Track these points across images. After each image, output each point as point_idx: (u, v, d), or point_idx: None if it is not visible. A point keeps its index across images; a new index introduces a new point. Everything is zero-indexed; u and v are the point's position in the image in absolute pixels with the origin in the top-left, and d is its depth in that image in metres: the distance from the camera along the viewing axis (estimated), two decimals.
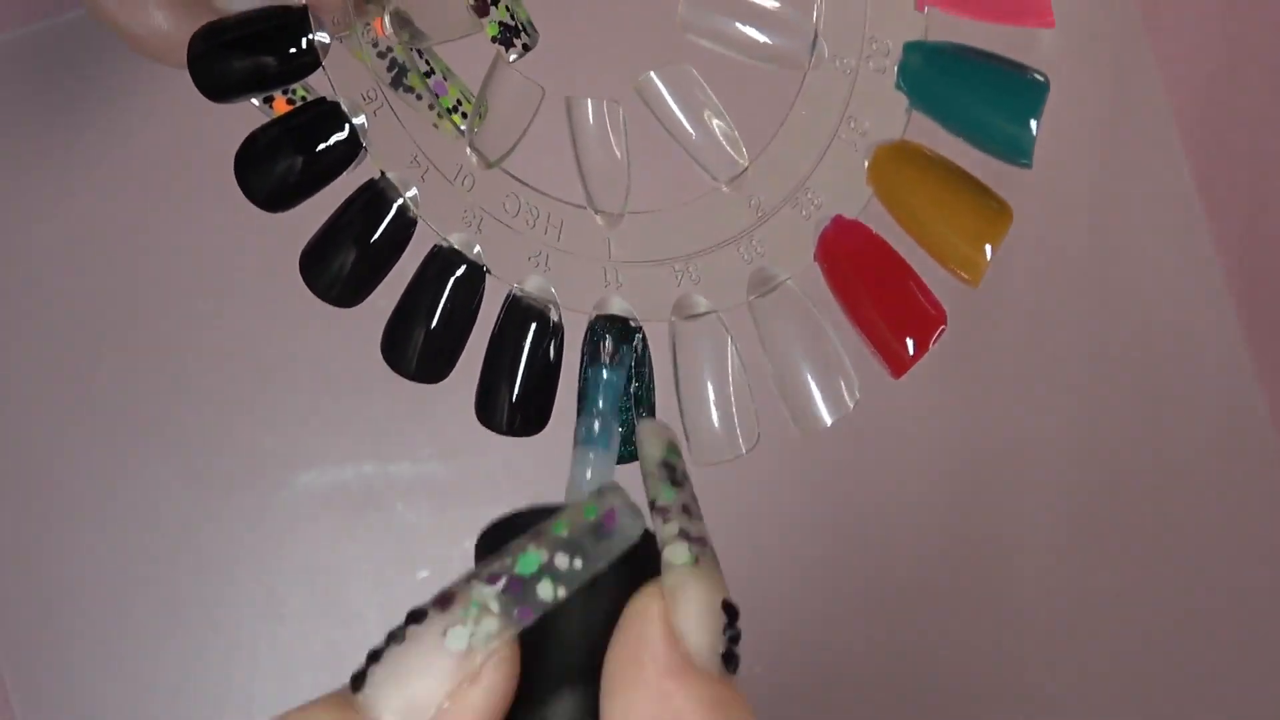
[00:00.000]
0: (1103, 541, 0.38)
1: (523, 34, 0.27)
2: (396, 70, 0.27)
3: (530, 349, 0.26)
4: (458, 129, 0.27)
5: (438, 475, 0.38)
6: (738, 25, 0.24)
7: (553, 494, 0.38)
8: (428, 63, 0.27)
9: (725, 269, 0.25)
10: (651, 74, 0.25)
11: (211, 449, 0.39)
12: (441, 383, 0.39)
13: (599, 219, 0.26)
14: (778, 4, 0.24)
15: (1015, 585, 0.38)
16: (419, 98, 0.27)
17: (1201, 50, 0.40)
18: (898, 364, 0.24)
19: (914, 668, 0.38)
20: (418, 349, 0.27)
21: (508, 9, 0.27)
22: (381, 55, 0.27)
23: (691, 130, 0.25)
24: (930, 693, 0.38)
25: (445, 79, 0.27)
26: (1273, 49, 0.40)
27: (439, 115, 0.27)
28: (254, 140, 0.26)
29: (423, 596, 0.38)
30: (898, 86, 0.24)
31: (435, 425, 0.39)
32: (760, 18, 0.24)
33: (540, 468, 0.38)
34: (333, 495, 0.38)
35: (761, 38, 0.24)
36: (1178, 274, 0.39)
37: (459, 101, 0.27)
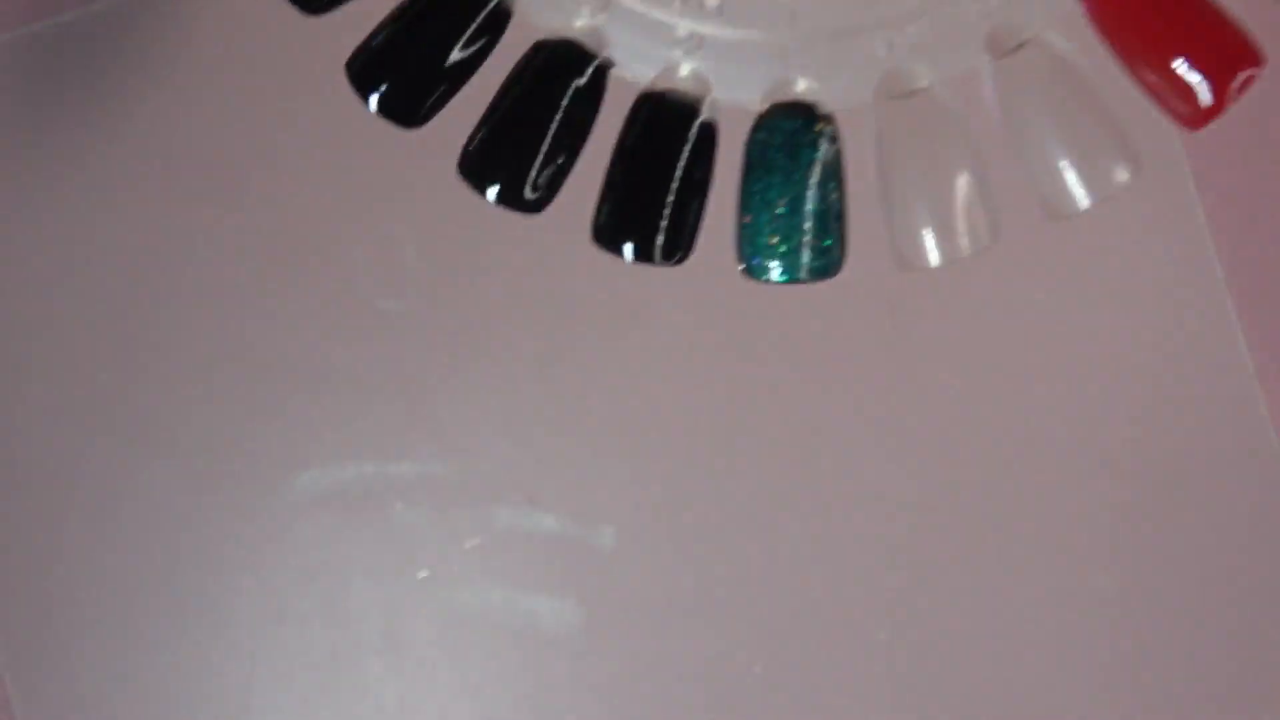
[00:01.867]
0: (1101, 542, 0.38)
1: None
2: None
3: (679, 159, 0.21)
4: None
5: (438, 475, 0.38)
6: None
7: (553, 494, 0.38)
8: None
9: (952, 28, 0.20)
10: None
11: (211, 449, 0.39)
12: (442, 380, 0.40)
13: None
14: None
15: (1014, 585, 0.38)
16: None
17: None
18: (1197, 114, 0.20)
19: (918, 666, 0.38)
20: (527, 172, 0.21)
21: None
22: None
23: None
24: (932, 692, 0.38)
25: None
26: (1273, 48, 0.40)
27: None
28: None
29: (423, 597, 0.39)
30: None
31: (435, 425, 0.39)
32: None
33: (541, 467, 0.38)
34: (333, 495, 0.38)
35: None
36: (1177, 274, 0.39)
37: None
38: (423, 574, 0.38)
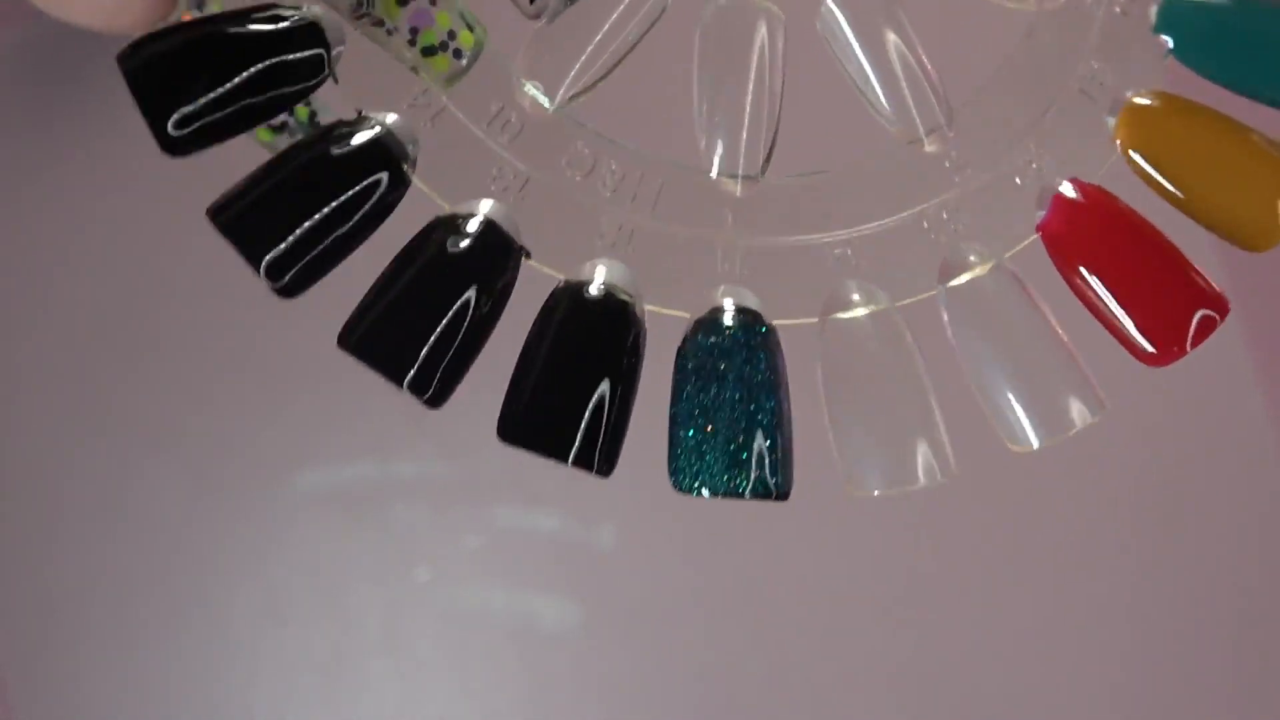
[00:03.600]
0: (1100, 542, 0.38)
1: None
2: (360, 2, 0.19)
3: (606, 362, 0.18)
4: (447, 76, 0.19)
5: (438, 475, 0.38)
6: None
7: (553, 494, 0.38)
8: None
9: (904, 250, 0.19)
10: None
11: (211, 449, 0.39)
12: None
13: (726, 183, 0.18)
14: None
15: (1014, 585, 0.38)
16: (389, 31, 0.19)
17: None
18: (1164, 352, 0.19)
19: (918, 666, 0.38)
20: (419, 360, 0.19)
21: None
22: None
23: (873, 67, 0.18)
24: (935, 696, 0.38)
25: (432, 2, 0.19)
26: None
27: (422, 54, 0.19)
28: (167, 54, 0.18)
29: (423, 597, 0.39)
30: (1156, 29, 0.19)
31: (436, 425, 0.39)
32: None
33: (542, 467, 0.38)
34: (333, 495, 0.38)
35: None
36: None
37: (450, 34, 0.19)
38: (423, 574, 0.38)
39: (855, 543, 0.38)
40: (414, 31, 0.18)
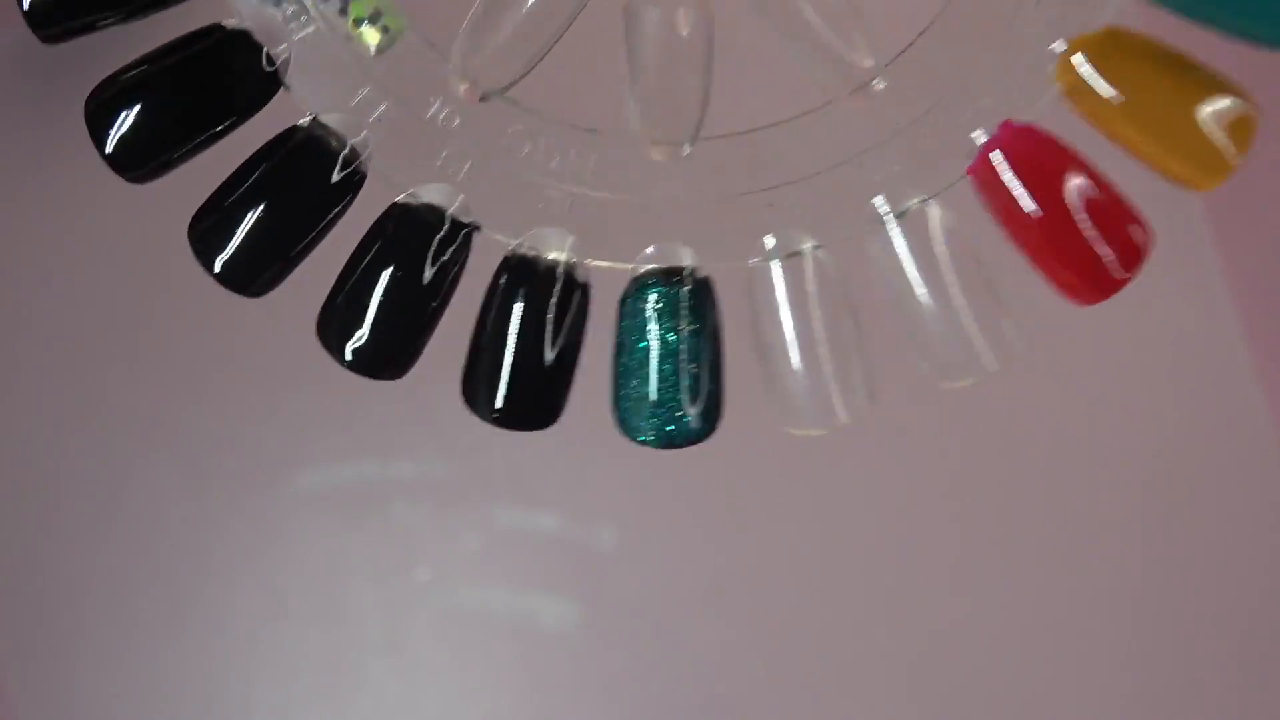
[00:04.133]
0: (1101, 542, 0.38)
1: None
2: None
3: (551, 322, 0.20)
4: (378, 42, 0.20)
5: (438, 475, 0.38)
6: None
7: (554, 494, 0.38)
8: None
9: (837, 196, 0.20)
10: None
11: (211, 449, 0.39)
12: (442, 381, 0.39)
13: (654, 152, 0.20)
14: None
15: (1014, 585, 0.38)
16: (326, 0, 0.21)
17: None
18: (1093, 288, 0.19)
19: (918, 665, 0.38)
20: (372, 335, 0.21)
21: None
22: None
23: (802, 18, 0.19)
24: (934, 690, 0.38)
25: None
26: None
27: (352, 23, 0.21)
28: (116, 82, 0.19)
29: (423, 597, 0.39)
30: None
31: (435, 425, 0.39)
32: None
33: (542, 468, 0.38)
34: (333, 495, 0.38)
35: None
36: (1178, 275, 0.39)
37: (376, 9, 0.21)
38: (423, 574, 0.38)
39: (856, 543, 0.38)
40: (344, 4, 0.20)
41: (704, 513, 0.38)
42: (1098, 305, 0.38)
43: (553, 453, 0.38)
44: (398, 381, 0.37)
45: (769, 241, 0.20)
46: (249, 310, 0.39)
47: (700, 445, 0.34)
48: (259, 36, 0.20)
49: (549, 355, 0.20)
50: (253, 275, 0.21)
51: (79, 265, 0.38)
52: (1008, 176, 0.19)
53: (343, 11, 0.21)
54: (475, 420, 0.37)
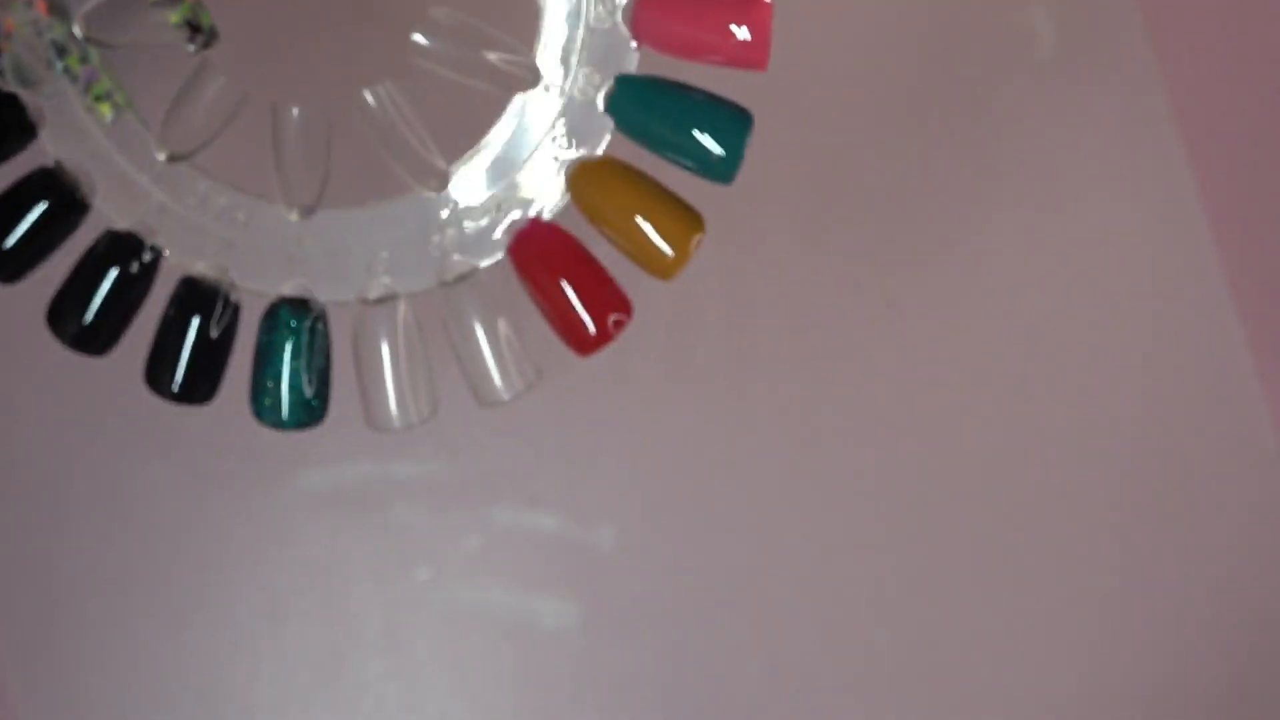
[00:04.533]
0: (1100, 542, 0.38)
1: (204, 34, 0.28)
2: (55, 51, 0.27)
3: (202, 324, 0.29)
4: (110, 114, 0.28)
5: (438, 475, 0.38)
6: (466, 53, 0.27)
7: (553, 494, 0.38)
8: (84, 49, 0.28)
9: (416, 260, 0.28)
10: (366, 91, 0.27)
11: (211, 448, 0.39)
12: (442, 380, 0.39)
13: (291, 214, 0.28)
14: (502, 37, 0.27)
15: (1013, 585, 0.38)
16: (74, 80, 0.28)
17: (1204, 50, 0.40)
18: (581, 344, 0.27)
19: (917, 665, 0.38)
20: (95, 317, 0.29)
21: (190, 8, 0.28)
22: (41, 35, 0.28)
23: (398, 137, 0.28)
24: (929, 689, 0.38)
25: (98, 69, 0.28)
26: (1275, 47, 0.40)
27: (93, 99, 0.28)
28: None
29: (423, 597, 0.39)
30: (606, 111, 0.27)
31: (435, 425, 0.39)
32: (487, 46, 0.27)
33: (542, 468, 0.38)
34: (333, 495, 0.38)
35: (485, 65, 0.27)
36: (1177, 274, 0.39)
37: (110, 91, 0.28)
38: (423, 574, 0.38)
39: (855, 543, 0.38)
40: (88, 83, 0.28)
41: (704, 514, 0.38)
42: (1094, 301, 0.38)
43: (553, 453, 0.38)
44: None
45: (373, 288, 0.29)
46: (250, 311, 0.39)
47: (701, 445, 0.34)
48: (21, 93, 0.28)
49: (209, 347, 0.29)
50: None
51: None
52: (534, 257, 0.28)
53: (85, 90, 0.28)
54: (475, 421, 0.37)
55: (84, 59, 0.28)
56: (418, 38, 0.27)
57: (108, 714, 0.38)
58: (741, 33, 0.25)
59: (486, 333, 0.28)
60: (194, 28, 0.28)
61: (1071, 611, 0.38)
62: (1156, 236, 0.38)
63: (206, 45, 0.28)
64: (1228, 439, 0.38)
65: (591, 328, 0.27)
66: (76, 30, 0.28)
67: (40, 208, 0.28)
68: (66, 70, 0.28)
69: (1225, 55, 0.40)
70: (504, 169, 0.28)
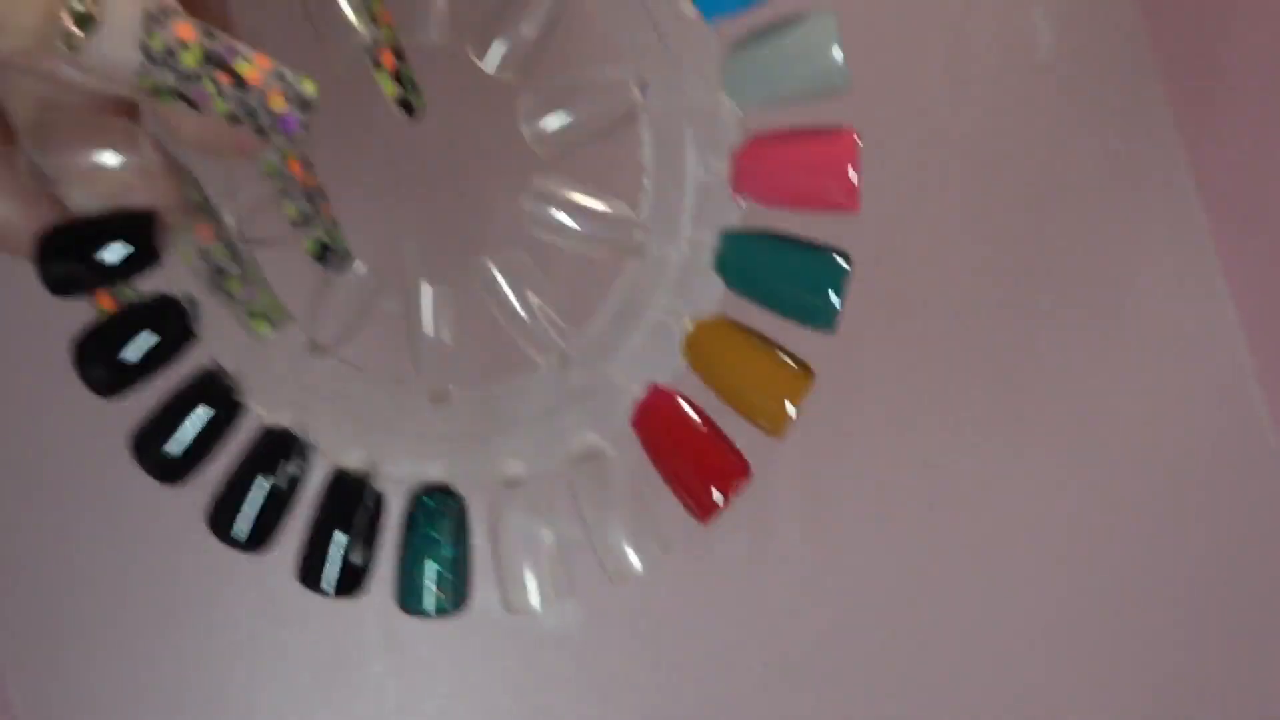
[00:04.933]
0: (1100, 541, 0.38)
1: (339, 255, 0.29)
2: (216, 273, 0.29)
3: (356, 515, 0.29)
4: (267, 331, 0.29)
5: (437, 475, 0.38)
6: (574, 222, 0.27)
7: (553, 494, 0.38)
8: (243, 270, 0.29)
9: (545, 440, 0.28)
10: (487, 259, 0.28)
11: None
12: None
13: (426, 396, 0.29)
14: (608, 205, 0.27)
15: (1012, 585, 0.39)
16: (233, 298, 0.29)
17: (1203, 48, 0.40)
18: (705, 512, 0.27)
19: (916, 662, 0.38)
20: (251, 520, 0.29)
21: (326, 232, 0.29)
22: (203, 257, 0.29)
23: (520, 311, 0.28)
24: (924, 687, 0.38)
25: (257, 287, 0.30)
26: (1274, 46, 0.40)
27: (250, 316, 0.30)
28: (98, 333, 0.28)
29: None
30: (715, 270, 0.27)
31: (436, 426, 0.39)
32: (594, 216, 0.27)
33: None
34: None
35: (593, 233, 0.27)
36: (1178, 274, 0.39)
37: (267, 310, 0.30)
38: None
39: (853, 545, 0.38)
40: (247, 302, 0.29)
41: None
42: (1095, 305, 0.38)
43: None
44: (397, 382, 0.37)
45: (506, 471, 0.29)
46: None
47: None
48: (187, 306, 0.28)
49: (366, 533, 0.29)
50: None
51: None
52: (657, 428, 0.28)
53: (245, 309, 0.29)
54: (475, 420, 0.37)
55: (244, 280, 0.29)
56: (526, 205, 0.27)
57: (108, 714, 0.38)
58: (836, 183, 0.25)
59: (617, 509, 0.28)
60: (325, 251, 0.29)
61: (1069, 611, 0.38)
62: (1157, 239, 0.38)
63: (340, 268, 0.29)
64: (1228, 439, 0.38)
65: (713, 497, 0.27)
66: (232, 234, 0.29)
67: (203, 414, 0.28)
68: (228, 293, 0.29)
69: (1223, 52, 0.40)
70: (619, 337, 0.28)
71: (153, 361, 0.28)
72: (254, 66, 0.25)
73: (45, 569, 0.39)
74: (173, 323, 0.28)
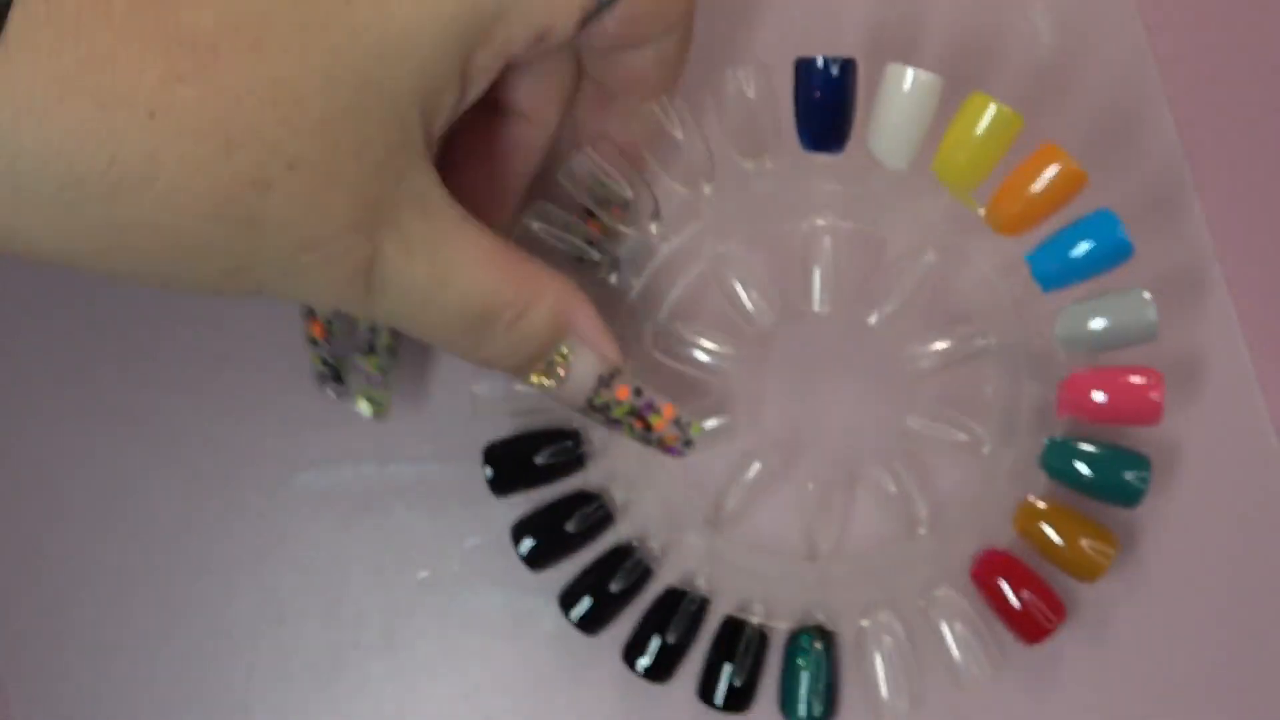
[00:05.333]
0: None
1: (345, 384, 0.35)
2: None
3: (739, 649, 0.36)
4: (370, 411, 0.35)
5: (437, 475, 0.38)
6: (944, 436, 0.37)
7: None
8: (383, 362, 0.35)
9: (906, 592, 0.36)
10: (877, 466, 0.37)
11: (211, 449, 0.39)
12: (442, 383, 0.40)
13: (812, 561, 0.37)
14: (966, 436, 0.36)
15: None
16: (359, 373, 0.34)
17: (1202, 48, 0.40)
18: (1030, 639, 0.35)
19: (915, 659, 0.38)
20: (654, 658, 0.35)
21: (374, 397, 0.35)
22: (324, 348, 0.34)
23: (902, 506, 0.37)
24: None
25: (384, 378, 0.35)
26: (1274, 45, 0.40)
27: (358, 397, 0.35)
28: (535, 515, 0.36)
29: (423, 597, 0.39)
30: (1040, 466, 0.35)
31: (435, 426, 0.39)
32: (960, 428, 0.37)
33: None
34: (333, 495, 0.38)
35: (954, 440, 0.37)
36: (1177, 274, 0.39)
37: (379, 399, 0.35)
38: (422, 574, 0.38)
39: (854, 537, 0.38)
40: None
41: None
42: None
43: None
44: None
45: (871, 609, 0.36)
46: (250, 311, 0.39)
47: (701, 442, 0.34)
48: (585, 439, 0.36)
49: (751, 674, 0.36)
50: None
51: None
52: (993, 580, 0.35)
53: (358, 389, 0.34)
54: (474, 421, 0.37)
55: (382, 369, 0.34)
56: (913, 424, 0.37)
57: (107, 714, 0.38)
58: (1144, 405, 0.33)
59: (954, 635, 0.35)
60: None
61: (1068, 611, 0.38)
62: (1156, 236, 0.38)
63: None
64: (1228, 439, 0.38)
65: (1040, 626, 0.34)
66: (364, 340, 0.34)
67: (618, 585, 0.35)
68: (361, 371, 0.34)
69: (1222, 51, 0.40)
70: (966, 518, 0.37)
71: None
72: (662, 419, 0.32)
73: (45, 569, 0.39)
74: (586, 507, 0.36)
